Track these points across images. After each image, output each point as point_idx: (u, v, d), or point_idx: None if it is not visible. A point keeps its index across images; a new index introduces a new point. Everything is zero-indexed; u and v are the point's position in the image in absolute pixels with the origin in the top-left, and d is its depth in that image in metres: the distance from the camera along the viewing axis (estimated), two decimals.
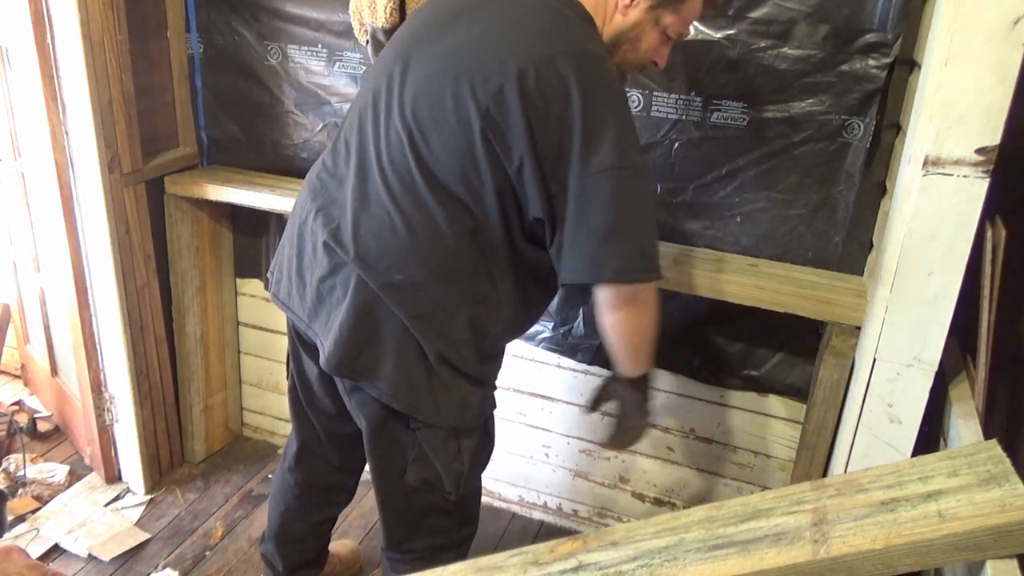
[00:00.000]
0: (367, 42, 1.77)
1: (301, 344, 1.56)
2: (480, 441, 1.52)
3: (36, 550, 2.09)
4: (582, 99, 1.20)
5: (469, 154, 1.27)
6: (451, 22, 1.33)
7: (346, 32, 1.94)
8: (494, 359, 1.49)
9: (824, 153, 1.66)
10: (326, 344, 1.40)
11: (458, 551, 1.61)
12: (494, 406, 1.51)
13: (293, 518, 1.80)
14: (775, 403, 1.95)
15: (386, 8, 1.66)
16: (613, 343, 1.39)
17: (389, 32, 1.69)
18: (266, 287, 1.48)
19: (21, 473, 2.35)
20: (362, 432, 1.51)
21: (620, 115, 1.24)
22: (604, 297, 1.33)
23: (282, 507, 1.79)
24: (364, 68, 1.97)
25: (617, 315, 1.34)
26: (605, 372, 2.06)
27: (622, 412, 1.54)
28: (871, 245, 1.67)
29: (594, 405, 1.57)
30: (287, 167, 2.16)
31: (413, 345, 1.37)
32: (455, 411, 1.43)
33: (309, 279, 1.43)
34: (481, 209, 1.31)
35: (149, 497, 2.32)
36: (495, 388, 1.51)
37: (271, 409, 2.55)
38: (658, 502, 2.19)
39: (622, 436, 1.56)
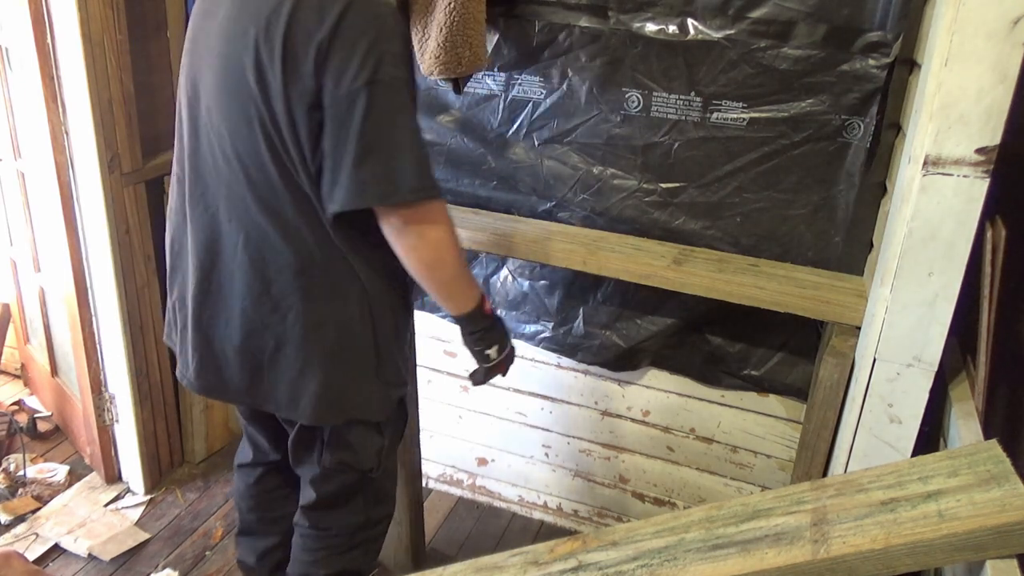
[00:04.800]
0: None
1: None
2: (397, 416, 1.57)
3: (36, 550, 2.09)
4: (335, 22, 1.19)
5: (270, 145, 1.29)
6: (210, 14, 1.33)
7: None
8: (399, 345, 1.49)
9: (824, 153, 1.66)
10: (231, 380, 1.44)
11: (375, 530, 1.64)
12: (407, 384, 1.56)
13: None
14: (775, 403, 1.95)
15: None
16: (414, 275, 1.36)
17: None
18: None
19: (21, 473, 2.35)
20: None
21: (376, 33, 1.21)
22: (385, 225, 1.29)
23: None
24: None
25: (403, 242, 1.30)
26: (606, 372, 2.06)
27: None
28: (871, 245, 1.67)
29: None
30: None
31: (321, 358, 1.39)
32: (378, 405, 1.48)
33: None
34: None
35: (149, 497, 2.32)
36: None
37: None
38: (658, 502, 2.19)
39: (476, 375, 1.54)
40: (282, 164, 1.28)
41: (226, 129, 1.31)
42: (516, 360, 2.16)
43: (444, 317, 2.17)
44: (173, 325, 1.54)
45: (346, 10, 1.19)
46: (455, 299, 1.42)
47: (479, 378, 1.53)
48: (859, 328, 1.55)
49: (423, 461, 2.41)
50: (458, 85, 1.75)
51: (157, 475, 2.36)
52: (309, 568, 1.68)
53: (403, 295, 1.49)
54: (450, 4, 1.58)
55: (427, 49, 1.67)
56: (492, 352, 1.49)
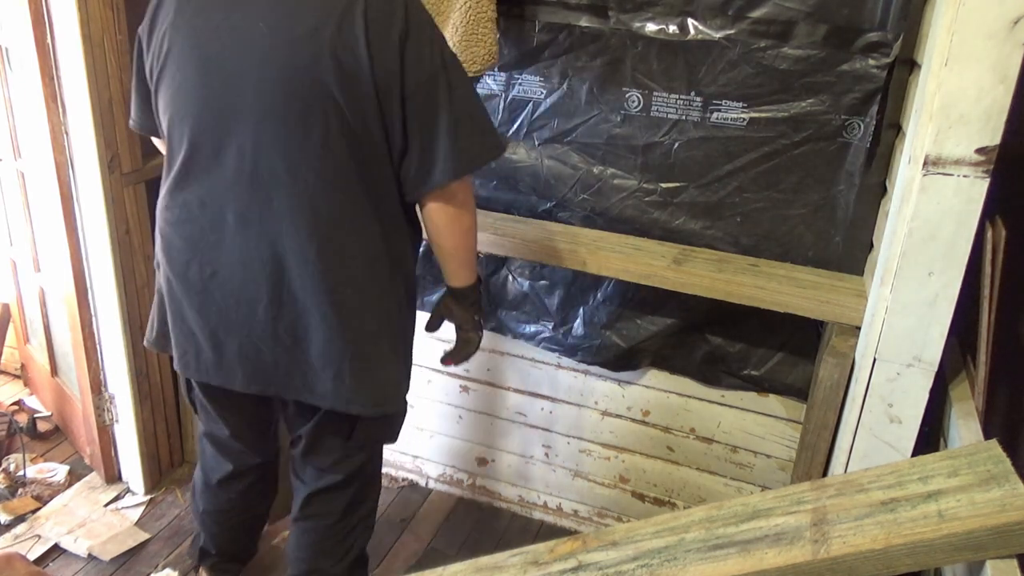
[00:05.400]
0: None
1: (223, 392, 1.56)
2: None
3: (36, 550, 2.09)
4: (404, 14, 1.30)
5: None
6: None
7: None
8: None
9: (824, 153, 1.66)
10: (315, 386, 1.46)
11: (373, 505, 1.77)
12: None
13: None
14: (775, 403, 1.95)
15: None
16: (449, 243, 1.47)
17: None
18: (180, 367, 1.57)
19: (21, 473, 2.35)
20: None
21: (431, 21, 1.35)
22: (443, 196, 1.39)
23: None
24: None
25: (450, 210, 1.41)
26: (606, 372, 2.06)
27: (457, 328, 1.63)
28: (871, 245, 1.67)
29: (432, 324, 1.64)
30: None
31: (383, 339, 1.47)
32: (403, 388, 1.58)
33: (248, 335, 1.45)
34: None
35: (149, 497, 2.31)
36: None
37: None
38: (658, 502, 2.19)
39: (456, 353, 1.66)
40: (364, 159, 1.34)
41: (282, 139, 1.31)
42: (516, 360, 2.18)
43: None
44: (194, 348, 1.50)
45: (409, 3, 1.30)
46: (472, 266, 1.53)
47: (470, 351, 1.65)
48: (859, 328, 1.55)
49: (423, 461, 2.42)
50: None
51: (157, 475, 2.36)
52: (321, 562, 1.72)
53: (417, 260, 1.59)
54: (465, 3, 1.58)
55: None
56: (480, 319, 1.63)
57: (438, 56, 1.31)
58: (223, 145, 1.35)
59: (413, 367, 2.30)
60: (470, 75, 1.62)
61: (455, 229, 1.44)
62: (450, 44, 1.59)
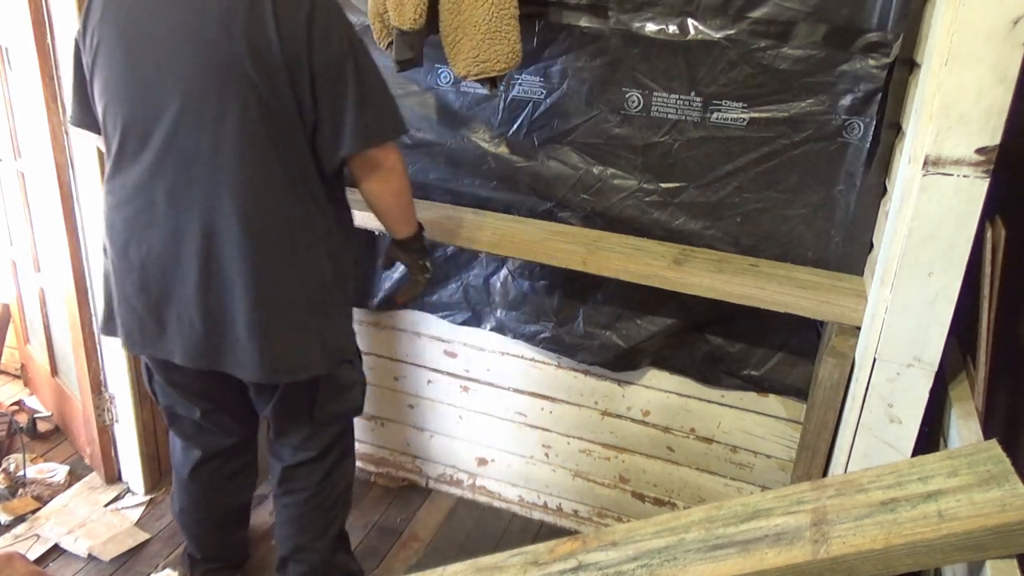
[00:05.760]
0: (388, 45, 1.73)
1: (175, 368, 1.61)
2: (359, 360, 1.79)
3: (36, 550, 2.09)
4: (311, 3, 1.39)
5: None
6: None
7: None
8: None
9: (824, 153, 1.66)
10: (242, 360, 1.52)
11: (350, 478, 1.87)
12: None
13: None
14: (775, 403, 1.95)
15: (416, 9, 1.62)
16: (383, 205, 1.60)
17: (416, 34, 1.65)
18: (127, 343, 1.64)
19: (21, 473, 2.35)
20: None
21: (339, 11, 1.45)
22: (364, 164, 1.51)
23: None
24: None
25: (378, 175, 1.53)
26: (606, 372, 2.06)
27: (408, 271, 1.80)
28: (871, 245, 1.67)
29: (386, 263, 1.83)
30: None
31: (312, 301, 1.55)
32: (352, 337, 1.71)
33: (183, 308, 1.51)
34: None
35: (149, 497, 2.31)
36: None
37: None
38: (658, 502, 2.19)
39: (405, 292, 1.84)
40: (280, 133, 1.42)
41: (203, 118, 1.39)
42: (516, 360, 2.17)
43: (445, 317, 2.17)
44: (138, 323, 1.56)
45: None
46: (410, 220, 1.67)
47: (417, 291, 1.81)
48: (859, 328, 1.55)
49: (423, 461, 2.42)
50: (494, 83, 1.73)
51: (157, 475, 2.36)
52: (303, 538, 1.80)
53: (350, 236, 1.68)
54: (488, 0, 1.57)
55: (460, 50, 1.64)
56: (428, 263, 1.77)
57: (346, 39, 1.41)
58: (151, 128, 1.43)
59: (412, 367, 2.31)
60: (493, 74, 1.65)
61: (384, 191, 1.56)
62: (473, 42, 1.60)
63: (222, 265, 1.47)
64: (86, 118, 1.58)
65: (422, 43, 1.71)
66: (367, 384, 1.82)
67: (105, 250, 1.59)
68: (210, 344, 1.52)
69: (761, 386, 1.93)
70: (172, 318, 1.52)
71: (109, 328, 1.64)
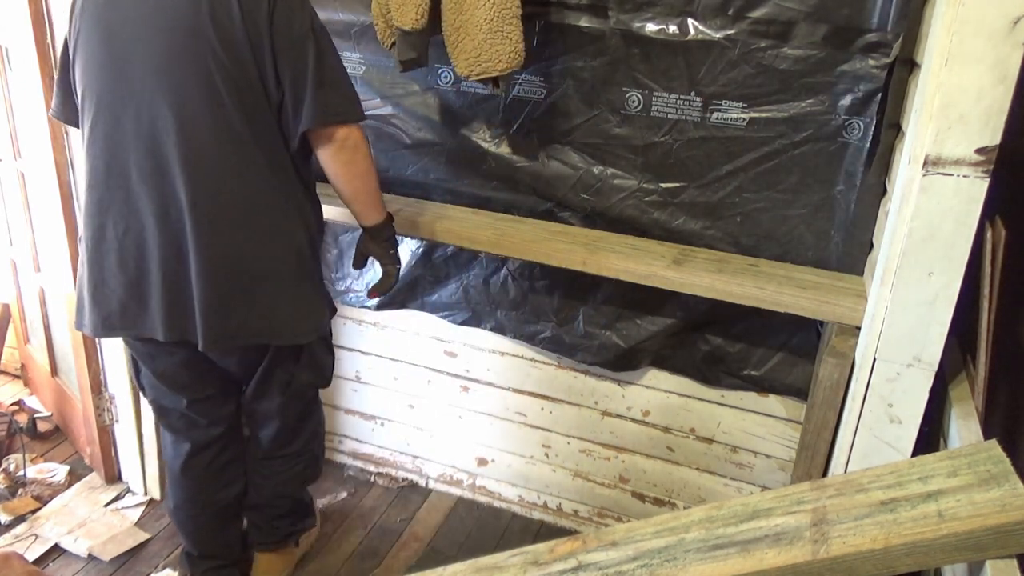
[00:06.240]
0: (391, 45, 1.73)
1: (155, 346, 1.65)
2: (330, 339, 1.87)
3: (36, 550, 2.09)
4: None
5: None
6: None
7: (345, 31, 1.94)
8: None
9: (824, 153, 1.66)
10: (200, 326, 1.55)
11: (320, 443, 1.99)
12: None
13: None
14: (775, 403, 1.95)
15: (418, 9, 1.61)
16: (348, 186, 1.61)
17: (418, 34, 1.64)
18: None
19: (21, 473, 2.35)
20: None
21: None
22: (328, 143, 1.54)
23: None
24: (364, 68, 1.97)
25: (343, 156, 1.55)
26: (606, 372, 2.06)
27: (380, 264, 1.79)
28: (871, 245, 1.67)
29: (356, 262, 1.81)
30: None
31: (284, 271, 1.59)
32: (326, 308, 1.74)
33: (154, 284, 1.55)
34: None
35: (149, 497, 2.32)
36: None
37: None
38: (658, 502, 2.19)
39: (378, 286, 1.81)
40: (249, 111, 1.47)
41: (172, 95, 1.44)
42: (516, 360, 2.17)
43: (445, 317, 2.17)
44: (118, 305, 1.58)
45: None
46: (377, 207, 1.69)
47: (388, 283, 1.78)
48: (859, 328, 1.55)
49: (423, 461, 2.42)
50: (497, 83, 1.71)
51: (157, 475, 2.36)
52: (271, 496, 1.94)
53: (320, 216, 1.72)
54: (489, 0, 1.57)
55: (462, 50, 1.64)
56: (397, 253, 1.78)
57: (308, 23, 1.47)
58: (123, 108, 1.48)
59: (412, 367, 2.31)
60: (495, 74, 1.66)
61: (349, 172, 1.59)
62: (475, 41, 1.60)
63: (192, 241, 1.50)
64: (65, 110, 1.62)
65: (426, 43, 1.71)
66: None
67: (81, 239, 1.62)
68: (187, 317, 1.55)
69: (761, 386, 1.93)
70: (152, 293, 1.55)
71: (80, 321, 1.66)
